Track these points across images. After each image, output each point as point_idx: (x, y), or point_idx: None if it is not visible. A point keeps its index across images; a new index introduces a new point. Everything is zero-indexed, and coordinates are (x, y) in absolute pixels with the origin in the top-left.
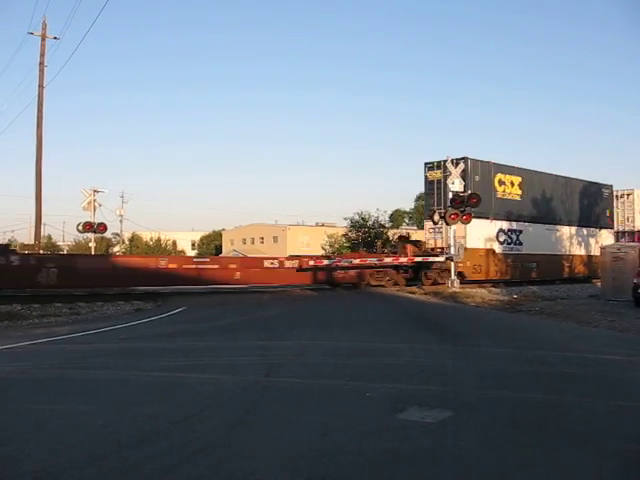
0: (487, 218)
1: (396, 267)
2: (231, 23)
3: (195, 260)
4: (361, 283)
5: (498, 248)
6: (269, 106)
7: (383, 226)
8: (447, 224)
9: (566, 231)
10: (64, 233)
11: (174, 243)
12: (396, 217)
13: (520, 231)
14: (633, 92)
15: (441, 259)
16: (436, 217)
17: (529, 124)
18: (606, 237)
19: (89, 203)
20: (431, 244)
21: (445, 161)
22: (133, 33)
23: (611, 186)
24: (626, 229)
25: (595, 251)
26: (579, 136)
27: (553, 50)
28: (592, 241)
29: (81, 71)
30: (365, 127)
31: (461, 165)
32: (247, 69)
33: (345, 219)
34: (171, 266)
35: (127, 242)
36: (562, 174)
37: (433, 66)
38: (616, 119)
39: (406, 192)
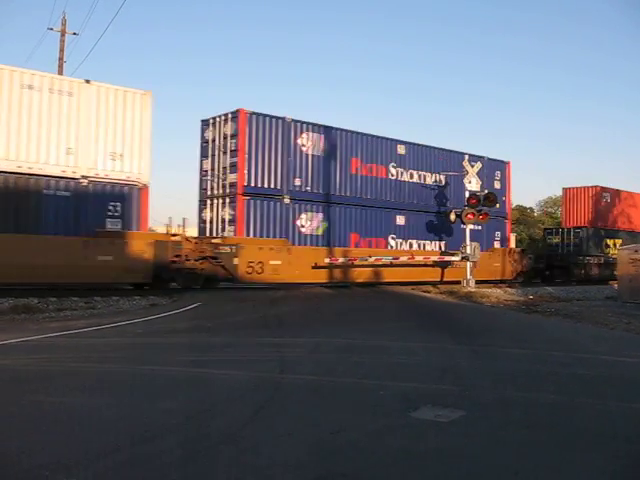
0: None
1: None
2: (254, 19)
3: None
4: (377, 281)
5: None
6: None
7: None
8: (463, 223)
9: None
10: None
11: None
12: None
13: None
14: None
15: (457, 258)
16: (452, 216)
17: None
18: None
19: None
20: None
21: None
22: (151, 27)
23: None
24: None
25: None
26: (577, 134)
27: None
28: None
29: (97, 65)
30: None
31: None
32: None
33: None
34: None
35: None
36: None
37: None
38: (616, 118)
39: None
